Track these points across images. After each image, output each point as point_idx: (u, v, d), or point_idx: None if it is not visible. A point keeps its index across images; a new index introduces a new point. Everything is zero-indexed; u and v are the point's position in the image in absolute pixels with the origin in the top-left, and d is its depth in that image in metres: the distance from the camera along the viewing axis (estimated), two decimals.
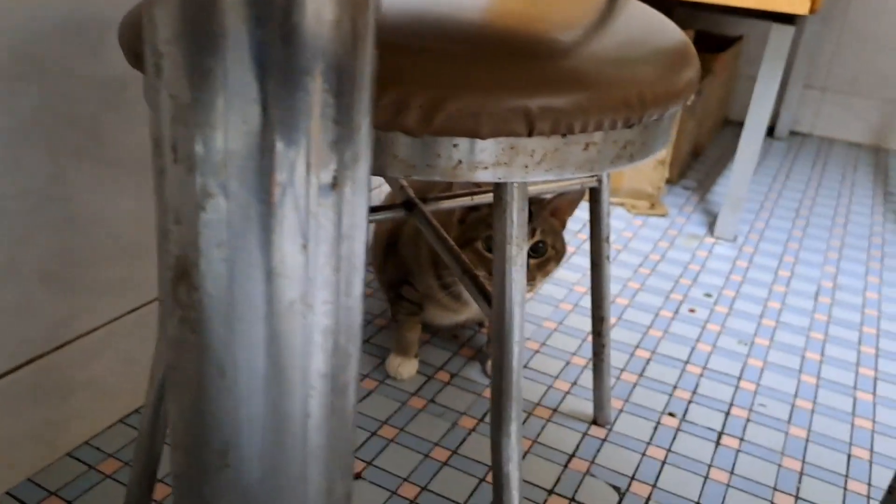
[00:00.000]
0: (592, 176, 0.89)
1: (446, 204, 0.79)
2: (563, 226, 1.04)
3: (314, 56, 0.26)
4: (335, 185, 0.28)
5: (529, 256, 0.99)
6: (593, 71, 0.53)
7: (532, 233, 0.98)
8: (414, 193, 0.79)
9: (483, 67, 0.50)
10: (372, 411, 1.06)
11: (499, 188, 0.55)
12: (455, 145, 0.50)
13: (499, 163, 0.51)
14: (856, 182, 2.19)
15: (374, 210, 0.73)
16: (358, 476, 0.94)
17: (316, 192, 0.27)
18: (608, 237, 0.94)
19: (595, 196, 0.91)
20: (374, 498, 0.92)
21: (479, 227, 0.98)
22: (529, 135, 0.51)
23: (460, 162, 0.51)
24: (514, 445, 0.59)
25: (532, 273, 0.99)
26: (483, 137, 0.49)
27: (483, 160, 0.51)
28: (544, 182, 0.86)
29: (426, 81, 0.48)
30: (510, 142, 0.51)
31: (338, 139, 0.27)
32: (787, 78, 2.49)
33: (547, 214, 1.00)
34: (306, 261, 0.28)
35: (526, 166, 0.52)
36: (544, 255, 1.00)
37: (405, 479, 0.95)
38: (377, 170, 0.51)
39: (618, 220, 1.78)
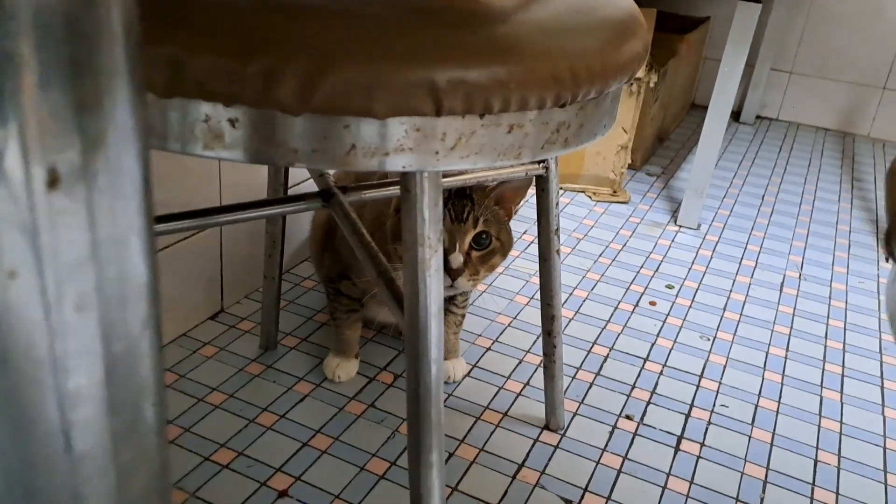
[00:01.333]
0: (537, 163, 0.81)
1: (371, 193, 0.71)
2: (510, 215, 0.96)
3: None
4: (74, 177, 0.19)
5: (472, 248, 0.91)
6: (516, 40, 0.44)
7: (474, 223, 0.90)
8: (335, 181, 0.70)
9: (379, 30, 0.41)
10: (304, 419, 0.97)
11: (406, 179, 0.47)
12: (346, 127, 0.41)
13: (402, 148, 0.43)
14: (822, 168, 2.14)
15: (281, 201, 0.64)
16: (283, 494, 0.86)
17: (43, 190, 0.19)
18: (557, 229, 0.86)
19: (542, 185, 0.83)
20: None
21: None
22: (438, 114, 0.42)
23: (353, 147, 0.42)
24: (434, 479, 0.51)
25: (474, 267, 0.91)
26: (380, 117, 0.41)
27: (382, 145, 0.42)
28: (471, 173, 0.78)
29: (305, 45, 0.39)
30: (415, 123, 0.42)
31: (75, 110, 0.19)
32: (753, 60, 2.43)
33: (491, 203, 0.92)
34: (42, 296, 0.19)
35: (436, 153, 0.44)
36: (488, 247, 0.92)
37: (336, 496, 0.86)
38: (251, 156, 0.42)
39: (579, 208, 1.70)
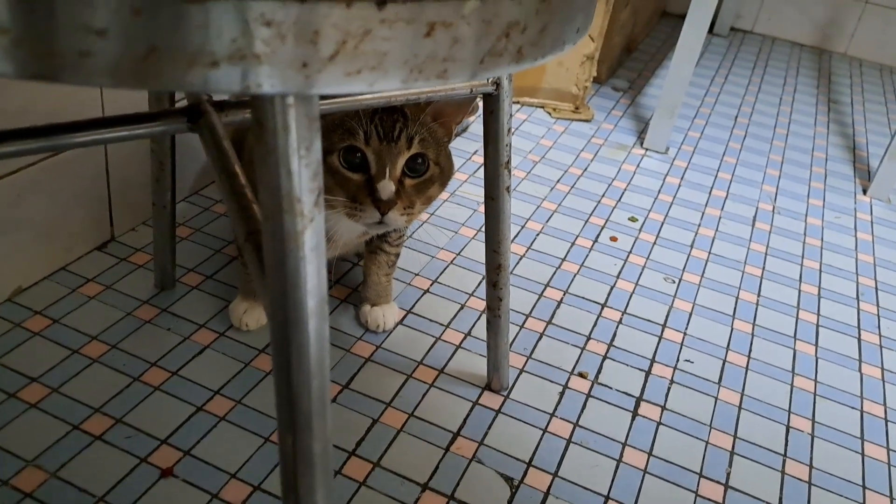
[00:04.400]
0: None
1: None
2: (451, 134, 0.79)
3: None
4: None
5: (405, 175, 0.74)
6: None
7: (408, 143, 0.72)
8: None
9: None
10: (201, 376, 0.82)
11: (256, 107, 0.29)
12: (137, 11, 0.24)
13: (241, 54, 0.25)
14: (798, 88, 1.99)
15: (128, 121, 0.46)
16: (166, 473, 0.71)
17: None
18: (508, 162, 0.69)
19: (490, 105, 0.66)
20: (189, 500, 0.69)
21: (334, 135, 0.72)
22: None
23: (153, 50, 0.24)
24: None
25: (409, 198, 0.74)
26: None
27: (205, 48, 0.25)
28: (352, 98, 0.60)
29: None
30: (261, 10, 0.25)
31: None
32: None
33: (427, 119, 0.74)
34: None
35: (304, 65, 0.27)
36: (424, 174, 0.75)
37: (232, 476, 0.72)
38: None
39: (536, 125, 1.53)
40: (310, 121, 0.29)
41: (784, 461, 0.84)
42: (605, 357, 0.94)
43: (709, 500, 0.77)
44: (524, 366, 0.91)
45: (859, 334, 1.07)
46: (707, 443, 0.84)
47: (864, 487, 0.82)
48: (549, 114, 1.59)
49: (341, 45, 0.27)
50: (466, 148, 1.39)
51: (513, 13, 0.31)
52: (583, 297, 1.05)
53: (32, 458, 0.70)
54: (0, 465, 0.69)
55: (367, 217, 0.72)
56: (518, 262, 1.10)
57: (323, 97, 0.55)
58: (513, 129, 1.48)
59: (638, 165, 1.44)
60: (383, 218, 0.73)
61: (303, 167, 0.29)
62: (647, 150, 1.51)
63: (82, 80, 0.25)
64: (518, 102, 1.60)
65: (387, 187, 0.72)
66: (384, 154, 0.72)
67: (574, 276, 1.09)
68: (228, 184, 0.41)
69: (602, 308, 1.03)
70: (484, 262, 0.79)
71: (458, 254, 1.09)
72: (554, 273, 1.09)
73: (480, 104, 0.74)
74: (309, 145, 0.29)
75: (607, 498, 0.76)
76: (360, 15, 0.27)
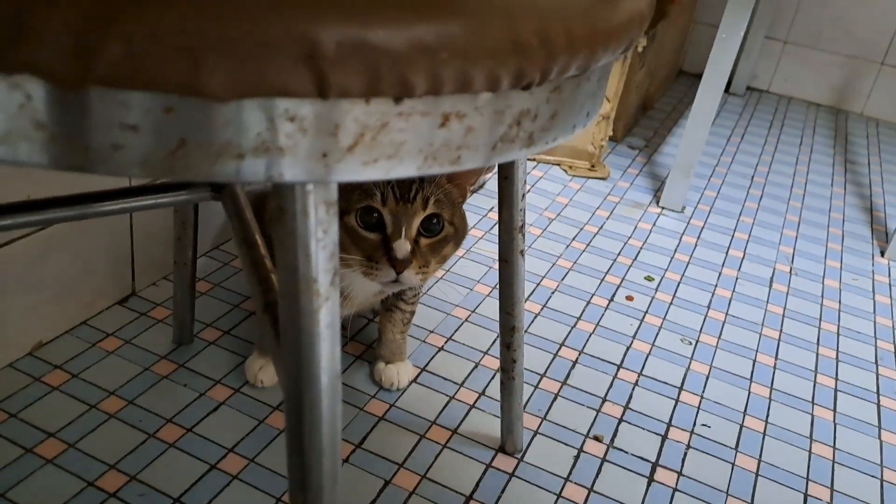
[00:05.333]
0: None
1: None
2: (465, 196, 0.80)
3: None
4: None
5: (420, 235, 0.75)
6: None
7: (423, 204, 0.74)
8: None
9: None
10: (216, 433, 0.82)
11: (278, 194, 0.31)
12: (167, 110, 0.25)
13: (265, 147, 0.27)
14: (815, 148, 2.00)
15: (153, 191, 0.48)
16: None
17: None
18: (522, 226, 0.70)
19: (504, 172, 0.67)
20: None
21: (351, 196, 0.73)
22: (323, 96, 0.26)
23: (183, 143, 0.26)
24: None
25: (424, 257, 0.75)
26: (219, 96, 0.25)
27: (233, 141, 0.26)
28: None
29: None
30: (285, 108, 0.26)
31: None
32: (748, 26, 2.27)
33: (443, 180, 0.76)
34: None
35: (324, 155, 0.28)
36: (439, 234, 0.76)
37: None
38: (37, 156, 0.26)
39: (552, 183, 1.55)
40: (328, 206, 0.30)
41: None
42: (620, 420, 0.94)
43: None
44: (538, 427, 0.91)
45: (878, 400, 1.05)
46: None
47: None
48: (566, 171, 1.60)
49: (360, 137, 0.28)
50: (482, 205, 1.40)
51: (524, 103, 0.32)
52: (598, 358, 1.04)
53: None
54: None
55: (383, 276, 0.74)
56: (533, 321, 1.10)
57: None
58: (528, 187, 1.50)
59: (654, 224, 1.45)
60: (399, 277, 0.74)
61: (320, 249, 0.31)
62: (663, 208, 1.51)
63: (114, 172, 0.26)
64: (534, 160, 1.62)
65: (402, 247, 0.73)
66: (400, 214, 0.73)
67: (589, 336, 1.09)
68: (249, 255, 0.43)
69: (618, 369, 1.03)
70: (498, 319, 0.80)
71: (473, 311, 1.10)
72: (569, 332, 1.09)
73: None
74: (326, 228, 0.31)
75: None
76: (379, 109, 0.28)
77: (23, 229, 0.83)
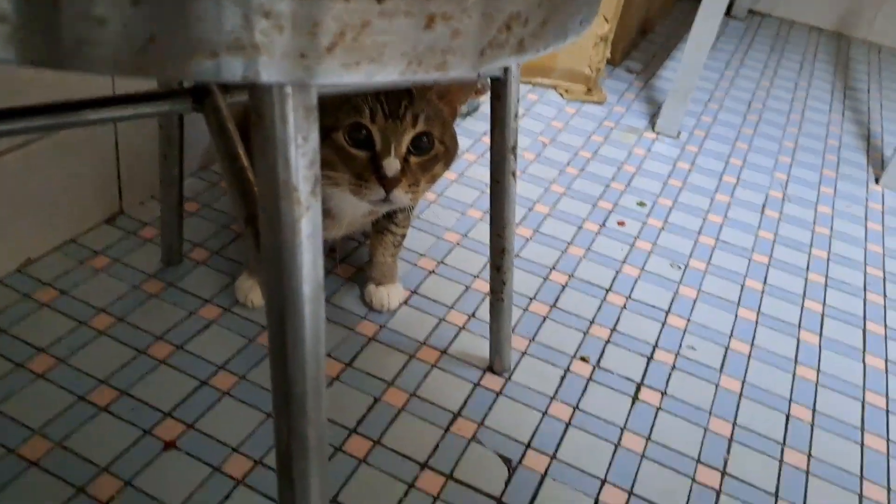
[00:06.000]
0: None
1: None
2: (456, 114, 0.79)
3: None
4: None
5: (410, 153, 0.74)
6: None
7: (413, 121, 0.72)
8: None
9: None
10: (206, 351, 0.83)
11: (255, 96, 0.29)
12: (135, 2, 0.24)
13: (240, 45, 0.26)
14: (815, 74, 1.96)
15: (132, 100, 0.46)
16: (170, 445, 0.72)
17: None
18: (514, 147, 0.69)
19: (497, 90, 0.65)
20: (192, 475, 0.70)
21: (339, 111, 0.72)
22: None
23: (152, 39, 0.25)
24: None
25: (414, 175, 0.74)
26: None
27: (205, 38, 0.25)
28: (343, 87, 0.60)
29: None
30: (260, 2, 0.25)
31: None
32: None
33: (434, 96, 0.74)
34: None
35: (302, 55, 0.27)
36: (429, 152, 0.75)
37: (234, 450, 0.73)
38: None
39: (548, 107, 1.52)
40: (307, 111, 0.29)
41: (783, 450, 0.84)
42: (607, 342, 0.95)
43: (705, 486, 0.78)
44: (526, 349, 0.92)
45: (865, 325, 1.06)
46: (706, 429, 0.85)
47: (861, 478, 0.82)
48: (562, 95, 1.58)
49: (340, 37, 0.27)
50: (475, 129, 1.38)
51: (514, 5, 0.31)
52: (588, 282, 1.05)
53: (38, 427, 0.72)
54: (6, 433, 0.70)
55: (372, 194, 0.73)
56: (524, 245, 1.10)
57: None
58: (523, 111, 1.48)
59: (649, 150, 1.43)
60: (388, 195, 0.73)
61: (300, 156, 0.30)
62: (658, 134, 1.50)
63: (82, 68, 0.25)
64: (530, 83, 1.59)
65: (392, 165, 0.72)
66: (389, 131, 0.72)
67: (580, 261, 1.09)
68: (230, 167, 0.42)
69: (606, 293, 1.03)
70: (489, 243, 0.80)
71: (465, 235, 1.09)
72: (560, 257, 1.09)
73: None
74: (306, 135, 0.30)
75: (604, 481, 0.77)
76: (360, 7, 0.27)
77: (5, 145, 0.81)
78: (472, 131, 1.37)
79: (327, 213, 0.80)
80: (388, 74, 0.28)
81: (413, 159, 0.74)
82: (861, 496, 0.80)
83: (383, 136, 0.72)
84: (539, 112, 1.50)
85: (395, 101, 0.72)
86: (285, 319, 0.32)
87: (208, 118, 0.47)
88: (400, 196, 0.73)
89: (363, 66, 0.28)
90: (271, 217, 0.31)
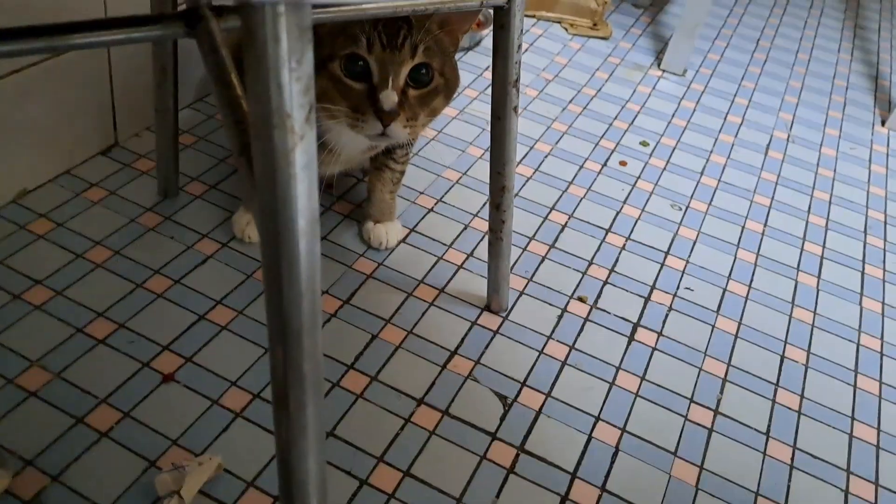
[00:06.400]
0: None
1: None
2: (457, 45, 0.76)
3: None
4: None
5: (408, 86, 0.72)
6: None
7: (412, 52, 0.70)
8: None
9: None
10: (203, 285, 0.83)
11: (246, 16, 0.28)
12: None
13: None
14: (825, 11, 1.92)
15: (120, 24, 0.44)
16: (168, 378, 0.73)
17: None
18: (517, 80, 0.68)
19: (500, 19, 0.63)
20: (190, 407, 0.71)
21: (336, 41, 0.70)
22: None
23: None
24: (310, 450, 0.37)
25: (412, 109, 0.72)
26: None
27: None
28: (341, 8, 0.57)
29: None
30: None
31: None
32: None
33: (433, 27, 0.72)
34: None
35: None
36: (428, 85, 0.73)
37: (233, 384, 0.74)
38: None
39: (552, 42, 1.49)
40: (301, 31, 0.28)
41: (776, 390, 0.85)
42: (605, 282, 0.95)
43: (697, 424, 0.79)
44: (524, 288, 0.91)
45: (863, 268, 1.06)
46: (700, 369, 0.86)
47: (852, 419, 0.83)
48: (566, 30, 1.54)
49: None
50: (478, 63, 1.35)
51: None
52: (587, 222, 1.04)
53: (37, 358, 0.72)
54: (5, 364, 0.71)
55: (369, 128, 0.71)
56: (524, 185, 1.09)
57: (321, 5, 0.53)
58: (527, 45, 1.44)
59: (654, 87, 1.41)
60: (385, 130, 0.71)
61: (293, 80, 0.28)
62: (664, 71, 1.47)
63: None
64: (534, 17, 1.55)
65: (389, 97, 0.70)
66: (387, 62, 0.70)
67: (580, 201, 1.08)
68: (224, 94, 0.40)
69: (606, 233, 1.03)
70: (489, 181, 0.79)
71: (465, 173, 1.08)
72: (560, 196, 1.08)
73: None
74: (300, 57, 0.28)
75: (598, 419, 0.78)
76: None
77: None
78: (474, 66, 1.34)
79: (324, 147, 0.79)
80: None
81: (411, 92, 0.73)
82: (851, 435, 0.81)
83: (381, 67, 0.70)
84: (542, 47, 1.46)
85: (394, 30, 0.70)
86: (280, 253, 0.32)
87: (201, 44, 0.46)
88: (398, 130, 0.71)
89: None
90: (264, 146, 0.30)
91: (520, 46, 0.66)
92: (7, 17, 0.76)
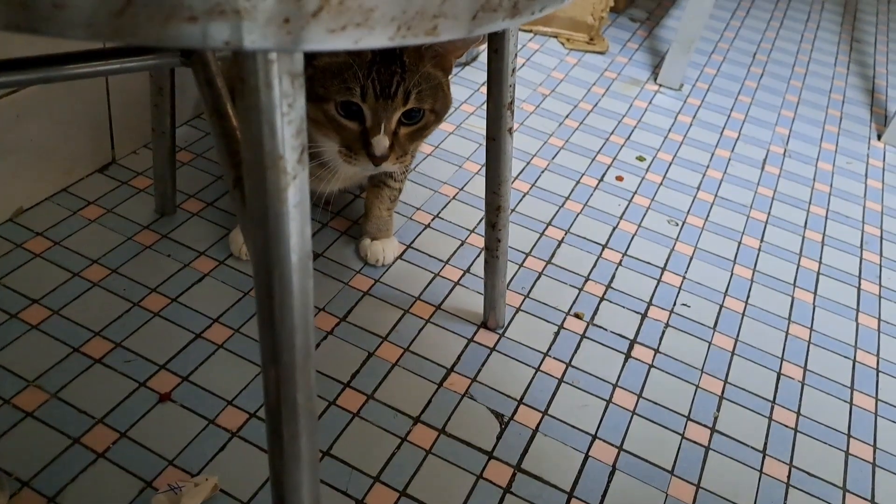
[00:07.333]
0: None
1: None
2: (450, 69, 0.77)
3: None
4: None
5: (401, 124, 0.73)
6: None
7: (405, 98, 0.71)
8: None
9: None
10: (200, 304, 0.83)
11: (240, 63, 0.28)
12: None
13: (222, 9, 0.25)
14: (821, 25, 1.93)
15: (118, 54, 0.45)
16: (165, 398, 0.73)
17: None
18: (512, 103, 0.68)
19: (495, 44, 0.64)
20: (186, 427, 0.71)
21: (332, 85, 0.70)
22: None
23: (130, 2, 0.24)
24: (303, 480, 0.37)
25: (402, 147, 0.74)
26: None
27: (183, 3, 0.24)
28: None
29: None
30: None
31: None
32: None
33: (427, 66, 0.72)
34: None
35: (287, 20, 0.26)
36: (419, 123, 0.74)
37: (229, 403, 0.74)
38: None
39: (549, 56, 1.49)
40: (293, 77, 0.28)
41: (772, 408, 0.85)
42: (602, 298, 0.95)
43: (694, 442, 0.79)
44: (521, 305, 0.92)
45: (859, 283, 1.07)
46: (697, 387, 0.86)
47: (848, 436, 0.83)
48: (563, 44, 1.55)
49: (325, 2, 0.26)
50: (474, 78, 1.36)
51: None
52: (584, 238, 1.04)
53: (33, 378, 0.72)
54: (2, 384, 0.71)
55: (361, 166, 0.73)
56: (521, 200, 1.09)
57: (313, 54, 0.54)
58: (523, 60, 1.45)
59: (650, 102, 1.41)
60: (376, 168, 0.73)
61: (286, 124, 0.29)
62: (660, 85, 1.47)
63: (58, 33, 0.24)
64: (530, 31, 1.56)
65: (381, 143, 0.71)
66: (380, 110, 0.71)
67: (577, 216, 1.08)
68: (219, 125, 0.41)
69: (603, 249, 1.03)
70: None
71: (461, 189, 1.09)
72: (557, 212, 1.08)
73: None
74: (292, 102, 0.29)
75: (594, 437, 0.78)
76: None
77: None
78: (471, 81, 1.35)
79: (322, 165, 0.79)
80: (375, 41, 0.27)
81: (403, 130, 0.74)
82: (847, 453, 0.81)
83: (374, 114, 0.71)
84: (539, 62, 1.47)
85: (387, 77, 0.70)
86: (273, 288, 0.32)
87: (196, 74, 0.46)
88: (389, 165, 0.73)
89: (350, 31, 0.27)
90: (257, 185, 0.30)
91: (514, 70, 0.66)
92: (2, 44, 0.76)
